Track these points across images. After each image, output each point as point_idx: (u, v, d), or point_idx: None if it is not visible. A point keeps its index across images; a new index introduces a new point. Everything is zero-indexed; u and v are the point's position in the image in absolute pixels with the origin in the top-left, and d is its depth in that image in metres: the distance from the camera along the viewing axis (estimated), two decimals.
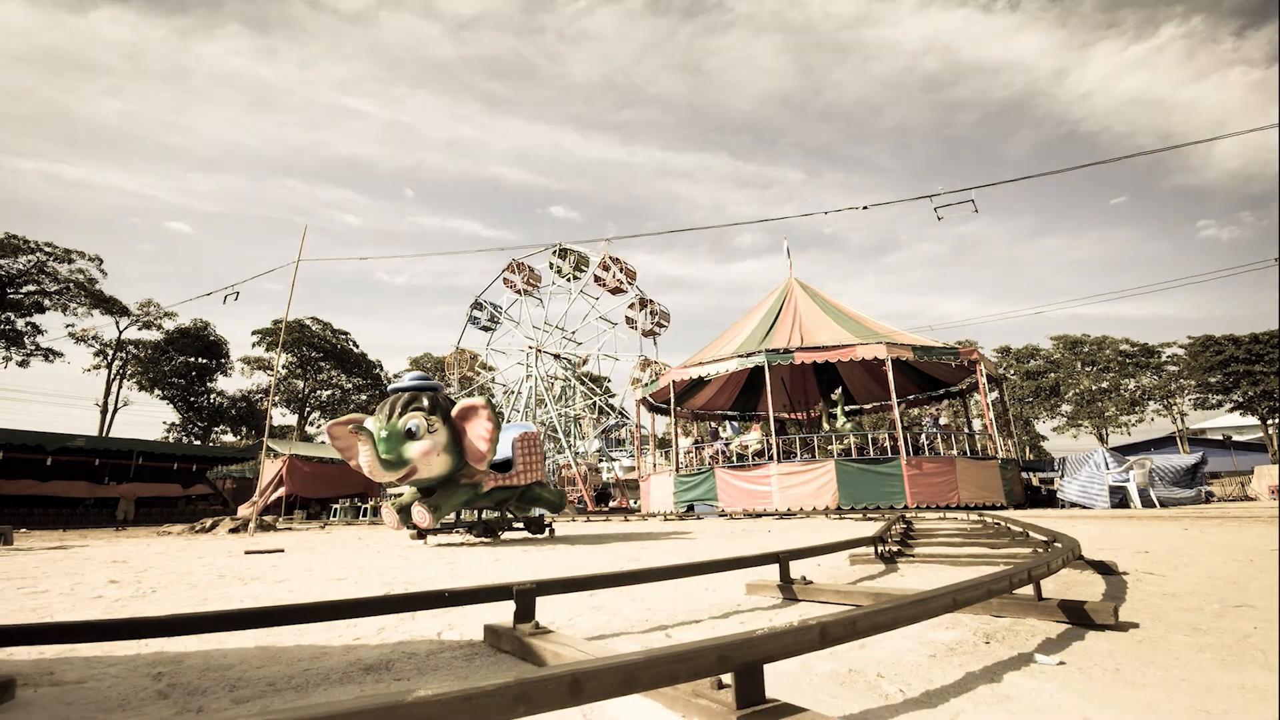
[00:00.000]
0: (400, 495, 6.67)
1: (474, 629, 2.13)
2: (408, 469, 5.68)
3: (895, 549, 3.87)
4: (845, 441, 14.12)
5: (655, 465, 18.10)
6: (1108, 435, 43.89)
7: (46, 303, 36.42)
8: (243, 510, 15.16)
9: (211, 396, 43.59)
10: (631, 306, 27.64)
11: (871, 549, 3.71)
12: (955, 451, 13.89)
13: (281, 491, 20.48)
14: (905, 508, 12.32)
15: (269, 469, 20.47)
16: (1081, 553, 3.07)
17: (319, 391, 47.00)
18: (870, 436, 14.08)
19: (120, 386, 39.52)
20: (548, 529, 7.76)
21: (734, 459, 14.73)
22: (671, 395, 16.63)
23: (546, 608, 2.37)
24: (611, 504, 24.34)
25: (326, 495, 22.06)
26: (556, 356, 29.11)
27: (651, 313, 27.43)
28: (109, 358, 39.08)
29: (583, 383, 29.26)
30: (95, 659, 1.84)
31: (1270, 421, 38.94)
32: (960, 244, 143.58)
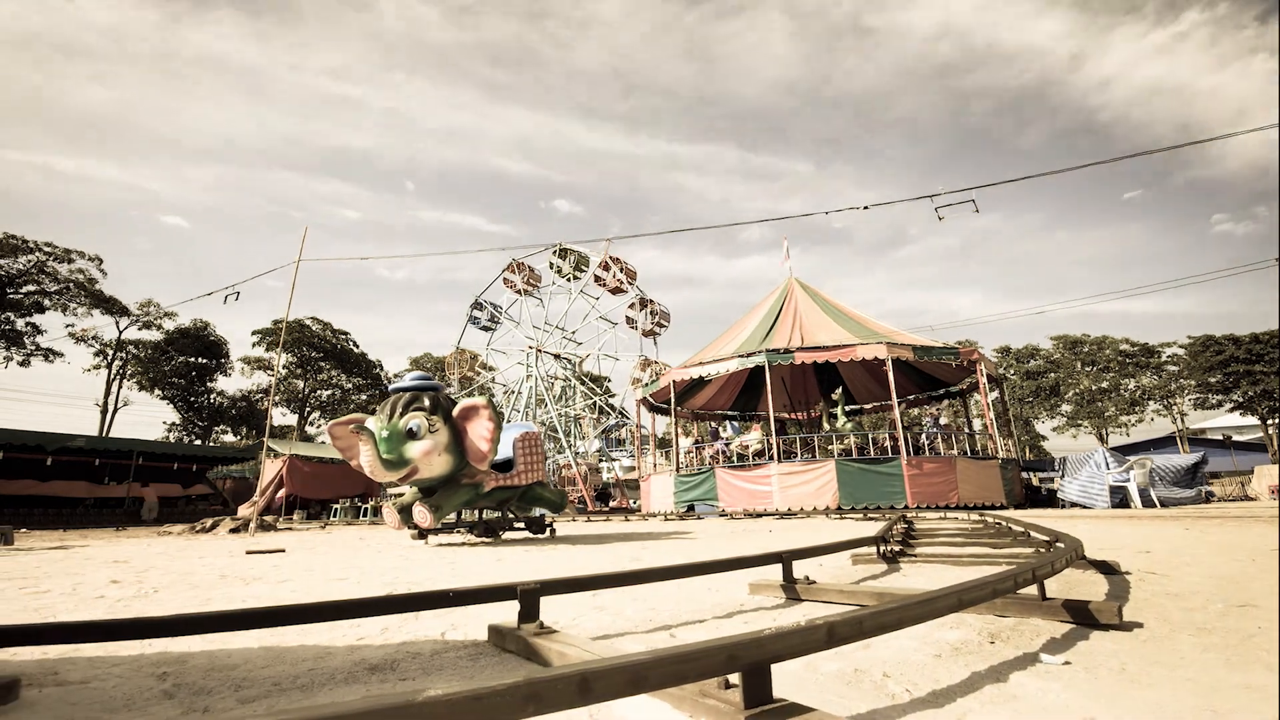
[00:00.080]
0: (401, 495, 6.67)
1: (477, 629, 2.13)
2: (409, 469, 5.68)
3: (897, 549, 3.87)
4: (845, 441, 14.13)
5: (655, 465, 18.10)
6: (1108, 435, 43.91)
7: (46, 303, 36.42)
8: (243, 510, 15.15)
9: (211, 396, 43.59)
10: (632, 306, 27.64)
11: (874, 549, 3.71)
12: (955, 451, 13.89)
13: (282, 492, 20.47)
14: (906, 508, 12.32)
15: (269, 469, 20.46)
16: (1084, 552, 3.07)
17: (319, 391, 47.00)
18: (870, 436, 14.08)
19: (120, 386, 39.54)
20: (549, 529, 7.75)
21: (734, 459, 14.73)
22: (672, 395, 16.63)
23: (550, 608, 2.37)
24: (612, 504, 24.34)
25: (327, 495, 22.03)
26: (557, 356, 29.11)
27: (652, 313, 27.43)
28: (109, 358, 39.09)
29: (583, 383, 29.26)
30: (99, 659, 1.84)
31: (1270, 421, 38.95)
32: (971, 238, 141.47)
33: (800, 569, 3.02)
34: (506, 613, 2.07)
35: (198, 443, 39.87)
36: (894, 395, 14.38)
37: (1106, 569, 3.03)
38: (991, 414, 15.31)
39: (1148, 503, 11.24)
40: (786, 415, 19.19)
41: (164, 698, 1.46)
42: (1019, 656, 1.62)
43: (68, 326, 36.76)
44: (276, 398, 29.00)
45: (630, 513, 18.16)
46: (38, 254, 35.49)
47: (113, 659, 1.83)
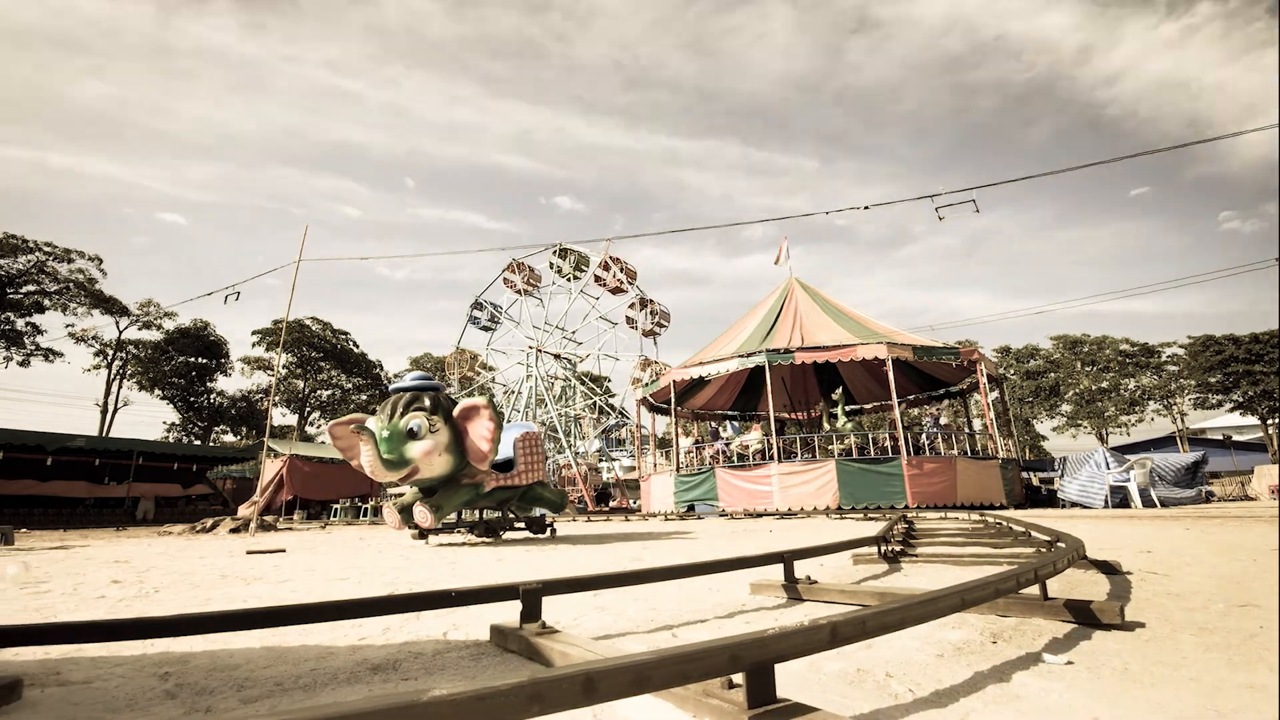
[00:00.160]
0: (402, 495, 6.67)
1: (479, 629, 2.12)
2: (409, 469, 5.68)
3: (898, 549, 3.87)
4: (846, 441, 14.13)
5: (655, 465, 18.10)
6: (1107, 435, 43.92)
7: (46, 303, 36.42)
8: (243, 510, 15.15)
9: (211, 396, 43.59)
10: (632, 306, 27.65)
11: (875, 549, 3.71)
12: (956, 451, 13.89)
13: (283, 492, 20.47)
14: (906, 507, 12.32)
15: (269, 469, 20.46)
16: (1085, 552, 3.07)
17: (319, 391, 47.01)
18: (871, 436, 14.09)
19: (120, 386, 39.54)
20: (549, 529, 7.75)
21: (734, 459, 14.73)
22: (672, 395, 16.63)
23: (551, 607, 2.36)
24: (612, 504, 24.34)
25: (327, 495, 22.04)
26: (557, 356, 29.11)
27: (652, 313, 27.44)
28: (109, 358, 39.09)
29: (583, 383, 29.27)
30: (101, 659, 1.84)
31: (1270, 421, 38.97)
32: (975, 237, 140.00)
33: (801, 569, 3.02)
34: (508, 613, 2.07)
35: (198, 443, 39.87)
36: (894, 395, 14.39)
37: (1108, 569, 3.03)
38: (992, 414, 15.31)
39: (1148, 503, 11.25)
40: (787, 415, 19.20)
41: (166, 698, 1.46)
42: (1021, 656, 1.62)
43: (68, 326, 36.81)
44: (276, 398, 29.00)
45: (630, 513, 18.17)
46: (38, 254, 35.50)
47: (115, 659, 1.83)
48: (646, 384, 19.21)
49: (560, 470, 26.02)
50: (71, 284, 36.72)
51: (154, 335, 41.12)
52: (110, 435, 34.47)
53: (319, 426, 46.70)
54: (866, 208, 12.07)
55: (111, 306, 38.18)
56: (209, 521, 11.46)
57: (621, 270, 27.38)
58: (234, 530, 10.81)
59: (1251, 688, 1.35)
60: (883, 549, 3.72)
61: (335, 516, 20.13)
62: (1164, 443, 37.95)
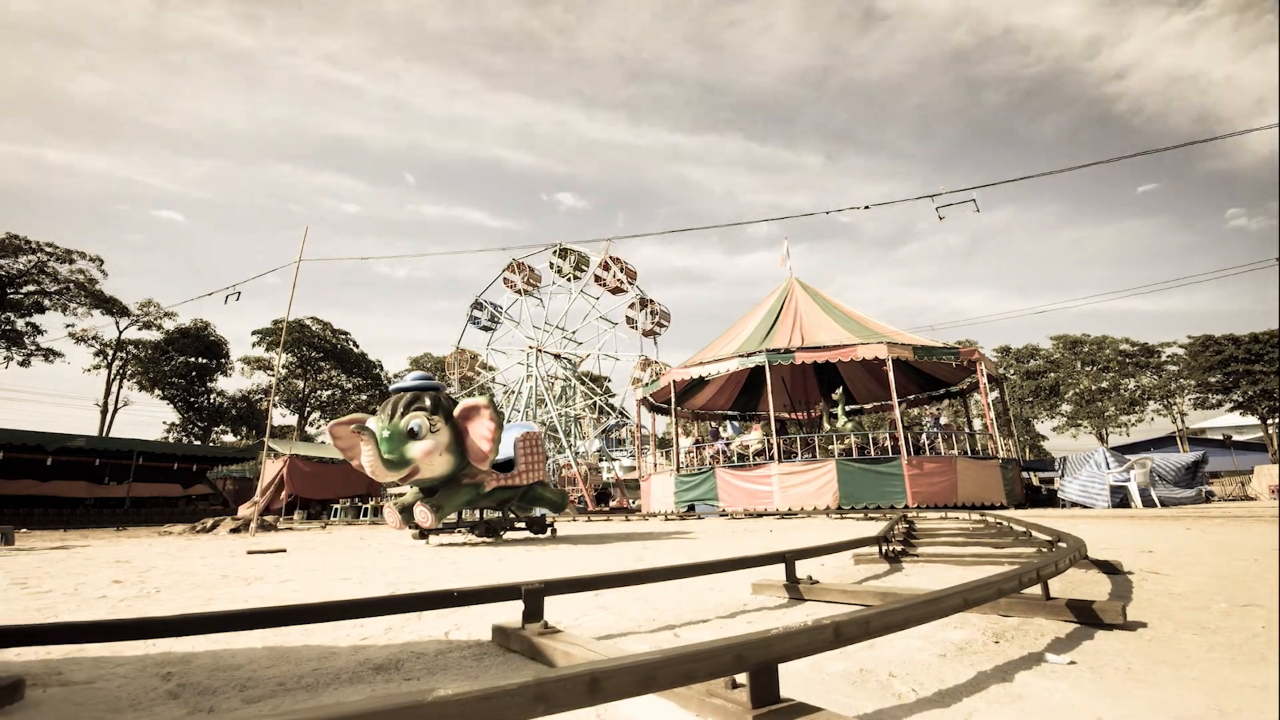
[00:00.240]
0: (402, 495, 6.67)
1: (481, 629, 2.12)
2: (410, 469, 5.68)
3: (899, 549, 3.87)
4: (846, 441, 14.12)
5: (656, 465, 18.10)
6: (1107, 435, 43.93)
7: (46, 303, 36.42)
8: (243, 510, 15.16)
9: (211, 396, 43.60)
10: (632, 306, 27.66)
11: (876, 549, 3.71)
12: (956, 451, 13.89)
13: (283, 493, 20.47)
14: (906, 507, 12.32)
15: (270, 469, 20.45)
16: (1087, 552, 3.07)
17: (319, 391, 47.01)
18: (871, 436, 14.09)
19: (120, 386, 39.54)
20: (550, 529, 7.75)
21: (735, 459, 14.73)
22: (672, 395, 16.63)
23: (553, 607, 2.36)
24: (612, 504, 24.34)
25: (327, 495, 22.03)
26: (557, 356, 29.11)
27: (652, 312, 27.45)
28: (109, 358, 39.08)
29: (583, 382, 29.27)
30: (103, 659, 1.84)
31: (1270, 421, 38.97)
32: (979, 235, 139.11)
33: (803, 569, 3.02)
34: (509, 613, 2.07)
35: (198, 443, 39.87)
36: (894, 395, 14.39)
37: (1109, 569, 3.03)
38: (992, 414, 15.31)
39: (1148, 502, 11.25)
40: (787, 415, 19.19)
41: (169, 698, 1.46)
42: (1024, 656, 1.62)
43: (68, 326, 36.81)
44: (276, 398, 28.99)
45: (630, 513, 18.17)
46: (38, 254, 35.50)
47: (117, 659, 1.83)
48: (646, 384, 19.21)
49: (560, 470, 26.03)
50: (72, 284, 36.73)
51: (154, 335, 41.16)
52: (110, 435, 34.47)
53: (319, 426, 46.71)
54: (866, 207, 12.07)
55: (111, 307, 38.18)
56: (209, 521, 11.46)
57: (621, 270, 27.39)
58: (234, 530, 10.81)
59: (1255, 687, 1.35)
60: (884, 549, 3.72)
61: (335, 516, 20.13)
62: (1164, 443, 37.98)
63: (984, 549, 3.94)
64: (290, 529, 12.77)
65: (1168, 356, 44.12)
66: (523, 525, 7.88)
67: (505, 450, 7.04)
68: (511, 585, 1.93)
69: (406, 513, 6.26)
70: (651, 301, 27.50)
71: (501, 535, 7.34)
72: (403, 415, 5.77)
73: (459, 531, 7.34)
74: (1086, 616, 1.92)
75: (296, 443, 28.70)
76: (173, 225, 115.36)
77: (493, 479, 6.65)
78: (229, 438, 45.68)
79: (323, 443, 35.68)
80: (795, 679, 1.42)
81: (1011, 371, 47.97)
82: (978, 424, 19.55)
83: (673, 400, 16.82)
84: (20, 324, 35.85)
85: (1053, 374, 47.11)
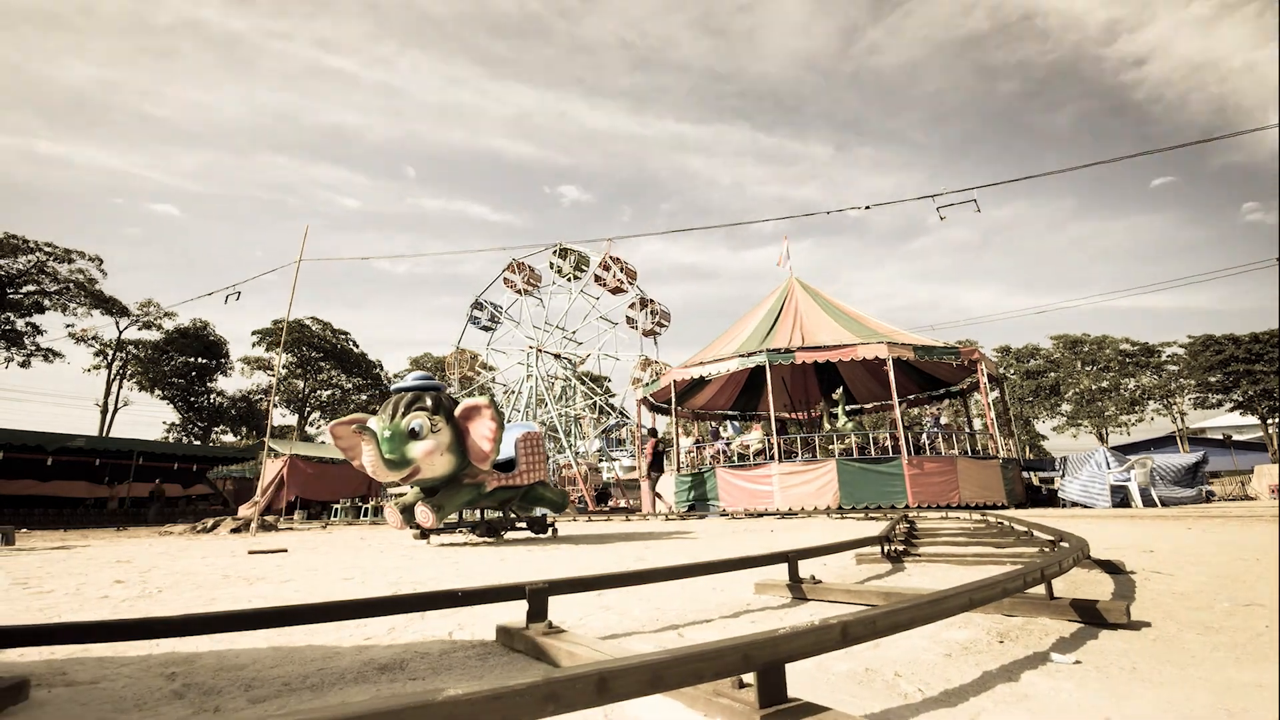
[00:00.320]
0: (403, 495, 6.67)
1: (484, 629, 2.12)
2: (411, 469, 5.68)
3: (901, 549, 3.87)
4: (846, 441, 14.12)
5: None
6: (1108, 435, 43.95)
7: (46, 303, 36.42)
8: (244, 510, 15.17)
9: (211, 396, 43.59)
10: (632, 306, 27.66)
11: (878, 548, 3.71)
12: (956, 451, 13.89)
13: (284, 493, 20.48)
14: (906, 507, 12.32)
15: (270, 469, 20.46)
16: (1090, 552, 3.07)
17: (319, 391, 47.01)
18: (871, 436, 14.09)
19: (120, 386, 39.53)
20: (550, 529, 7.75)
21: (735, 459, 14.73)
22: (672, 395, 16.63)
23: (556, 607, 2.36)
24: (611, 504, 24.35)
25: (328, 495, 22.05)
26: (557, 356, 29.12)
27: (652, 312, 27.45)
28: (109, 358, 39.07)
29: (583, 382, 29.28)
30: (107, 659, 1.84)
31: (1270, 421, 38.99)
32: (990, 229, 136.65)
33: (805, 568, 3.02)
34: (511, 613, 2.07)
35: (198, 443, 39.87)
36: (894, 395, 14.39)
37: (1111, 568, 3.03)
38: (992, 413, 15.31)
39: (1149, 502, 11.25)
40: (787, 415, 19.18)
41: (174, 698, 1.46)
42: (1029, 656, 1.62)
43: (68, 326, 36.80)
44: (276, 398, 28.98)
45: (630, 512, 18.17)
46: (38, 254, 35.49)
47: (121, 659, 1.83)
48: (647, 384, 19.21)
49: (560, 470, 26.04)
50: (71, 284, 36.73)
51: (154, 335, 41.15)
52: (110, 435, 34.47)
53: (319, 426, 46.72)
54: (867, 207, 12.07)
55: (111, 306, 38.18)
56: (210, 521, 11.46)
57: (622, 270, 27.39)
58: (235, 530, 10.81)
59: (1260, 687, 1.35)
60: (886, 549, 3.72)
61: (336, 516, 20.13)
62: (1164, 442, 38.03)
63: (986, 549, 3.94)
64: (291, 529, 12.77)
65: (1168, 356, 44.14)
66: (524, 525, 7.88)
67: (506, 450, 7.03)
68: (515, 585, 1.93)
69: (408, 513, 6.26)
70: (652, 301, 27.51)
71: (502, 535, 7.34)
72: (404, 415, 5.76)
73: (460, 531, 7.34)
74: (1091, 616, 1.92)
75: (297, 443, 28.71)
76: (168, 219, 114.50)
77: (494, 479, 6.65)
78: (229, 438, 45.70)
79: (323, 443, 35.69)
80: (801, 679, 1.42)
81: (1012, 371, 48.00)
82: (978, 424, 19.54)
83: (673, 400, 16.82)
84: (20, 324, 35.85)
85: (1053, 374, 47.13)
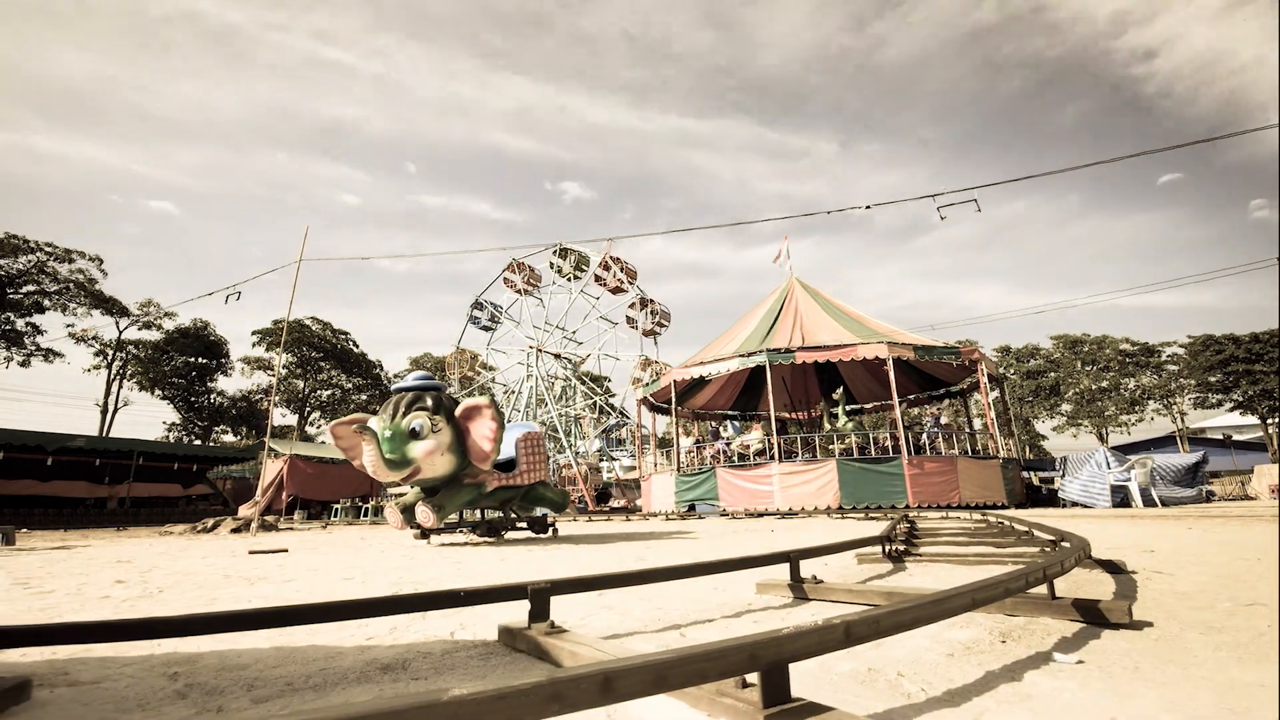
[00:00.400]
0: (404, 495, 6.67)
1: (486, 629, 2.12)
2: (412, 469, 5.68)
3: (902, 548, 3.87)
4: (846, 441, 14.13)
5: (656, 465, 18.10)
6: (1107, 435, 43.94)
7: (46, 303, 36.39)
8: (244, 510, 15.17)
9: (212, 396, 43.57)
10: (632, 306, 27.66)
11: (879, 548, 3.71)
12: (956, 451, 13.89)
13: (284, 493, 20.48)
14: (907, 507, 12.32)
15: (270, 469, 20.45)
16: (1091, 552, 3.07)
17: (319, 391, 47.00)
18: (871, 436, 14.09)
19: (120, 386, 39.51)
20: (551, 528, 7.75)
21: (735, 459, 14.73)
22: (673, 395, 16.63)
23: (557, 607, 2.36)
24: (612, 504, 24.35)
25: (328, 495, 22.03)
26: (557, 356, 29.12)
27: (652, 312, 27.45)
28: (109, 358, 39.06)
29: (583, 382, 29.28)
30: (109, 659, 1.83)
31: (1270, 421, 38.99)
32: (996, 226, 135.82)
33: (806, 568, 3.02)
34: (513, 613, 2.07)
35: (198, 443, 39.85)
36: (895, 395, 14.39)
37: (1113, 568, 3.03)
38: (992, 413, 15.31)
39: (1149, 502, 11.25)
40: (787, 415, 19.19)
41: (177, 698, 1.46)
42: (1032, 655, 1.62)
43: (68, 326, 36.77)
44: (276, 398, 28.98)
45: (631, 512, 18.17)
46: (38, 254, 35.48)
47: (123, 659, 1.83)
48: (647, 384, 19.21)
49: (560, 470, 26.04)
50: (71, 284, 36.70)
51: (154, 335, 41.14)
52: (110, 435, 34.46)
53: (319, 426, 46.70)
54: (868, 207, 12.07)
55: (111, 307, 38.15)
56: (210, 521, 11.45)
57: (622, 270, 27.40)
58: (235, 530, 10.81)
59: (1263, 686, 1.35)
60: (887, 548, 3.72)
61: (336, 516, 20.12)
62: (1164, 442, 38.02)
63: (986, 549, 3.94)
64: (291, 529, 12.77)
65: (1168, 356, 44.14)
66: (524, 525, 7.88)
67: (507, 450, 7.03)
68: (518, 585, 1.92)
69: (408, 512, 6.26)
70: (652, 301, 27.51)
71: (503, 535, 7.34)
72: (404, 415, 5.76)
73: (460, 531, 7.34)
74: (1093, 616, 1.92)
75: (297, 443, 28.70)
76: (166, 216, 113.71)
77: (494, 479, 6.65)
78: (229, 438, 45.68)
79: (323, 443, 35.69)
80: (805, 678, 1.42)
81: (1011, 371, 48.00)
82: (978, 423, 19.54)
83: (673, 400, 16.82)
84: (20, 324, 35.83)
85: (1053, 374, 47.13)
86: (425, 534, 6.90)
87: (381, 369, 50.46)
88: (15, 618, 2.58)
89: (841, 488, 12.78)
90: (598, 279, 27.82)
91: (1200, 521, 6.60)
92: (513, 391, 29.36)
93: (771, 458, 13.80)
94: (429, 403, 5.86)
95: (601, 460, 29.39)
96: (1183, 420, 43.65)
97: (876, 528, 7.17)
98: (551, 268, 28.92)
